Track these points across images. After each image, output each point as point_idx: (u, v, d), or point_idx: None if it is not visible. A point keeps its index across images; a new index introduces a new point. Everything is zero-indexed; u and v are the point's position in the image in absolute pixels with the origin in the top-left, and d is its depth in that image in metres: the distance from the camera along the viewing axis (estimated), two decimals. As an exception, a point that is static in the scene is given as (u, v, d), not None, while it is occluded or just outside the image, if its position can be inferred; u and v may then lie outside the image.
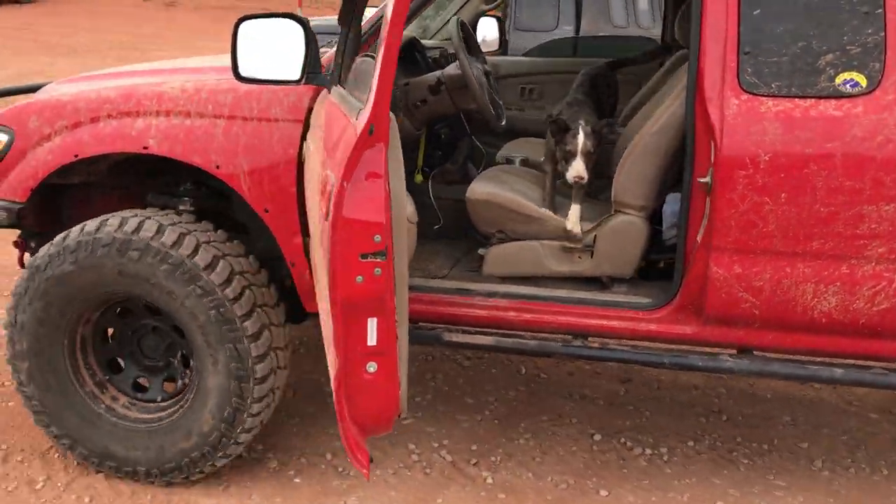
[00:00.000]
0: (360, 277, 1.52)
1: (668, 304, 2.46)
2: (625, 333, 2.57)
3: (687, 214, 2.36)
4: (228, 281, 2.51)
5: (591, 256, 2.69)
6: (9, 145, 2.78)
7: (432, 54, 3.85)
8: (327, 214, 1.59)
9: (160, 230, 2.52)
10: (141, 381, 2.83)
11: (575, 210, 2.66)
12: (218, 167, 2.61)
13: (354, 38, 2.36)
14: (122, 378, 2.81)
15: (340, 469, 2.83)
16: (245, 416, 2.60)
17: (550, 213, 2.71)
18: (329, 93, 2.40)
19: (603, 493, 2.73)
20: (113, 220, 2.56)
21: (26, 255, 3.15)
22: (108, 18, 19.50)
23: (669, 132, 2.48)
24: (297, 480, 2.79)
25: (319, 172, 2.02)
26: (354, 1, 2.45)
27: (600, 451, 2.97)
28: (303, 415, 3.17)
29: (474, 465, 2.88)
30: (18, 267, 3.32)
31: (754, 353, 2.50)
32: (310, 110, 2.58)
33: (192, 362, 2.64)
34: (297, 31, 2.28)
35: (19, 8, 19.90)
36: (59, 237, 2.60)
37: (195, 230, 2.60)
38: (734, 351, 2.53)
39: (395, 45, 1.72)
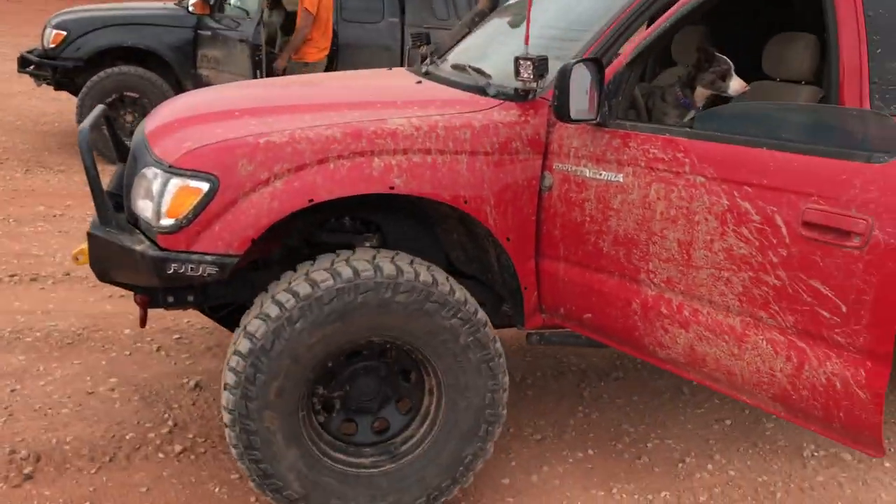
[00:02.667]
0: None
1: None
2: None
3: None
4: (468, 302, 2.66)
5: None
6: (209, 195, 2.52)
7: None
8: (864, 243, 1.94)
9: (416, 270, 2.56)
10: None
11: None
12: (466, 202, 2.68)
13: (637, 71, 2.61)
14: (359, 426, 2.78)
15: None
16: (498, 427, 2.75)
17: None
18: (602, 127, 2.61)
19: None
20: (361, 263, 2.52)
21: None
22: None
23: None
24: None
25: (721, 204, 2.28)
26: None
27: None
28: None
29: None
30: (140, 327, 3.01)
31: None
32: (547, 143, 2.76)
33: (432, 393, 2.73)
34: (594, 73, 2.49)
35: None
36: (299, 288, 2.49)
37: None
38: None
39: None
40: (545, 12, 3.30)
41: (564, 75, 2.42)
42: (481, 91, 2.92)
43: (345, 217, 2.98)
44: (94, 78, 7.18)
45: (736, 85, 3.04)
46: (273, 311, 2.49)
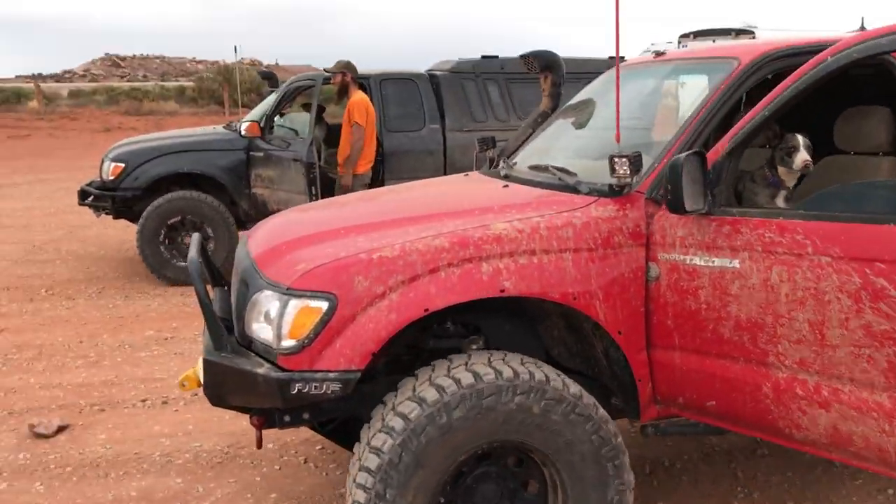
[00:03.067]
0: None
1: None
2: None
3: None
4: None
5: None
6: (329, 313, 2.56)
7: None
8: None
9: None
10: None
11: None
12: (575, 298, 2.69)
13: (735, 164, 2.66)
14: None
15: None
16: (623, 456, 2.68)
17: None
18: (708, 215, 2.63)
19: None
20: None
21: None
22: None
23: None
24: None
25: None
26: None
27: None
28: None
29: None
30: (257, 448, 3.00)
31: None
32: (648, 234, 2.78)
33: (545, 464, 2.67)
34: (699, 165, 2.54)
35: None
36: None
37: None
38: None
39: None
40: (605, 108, 3.40)
41: (676, 170, 2.47)
42: (572, 189, 2.97)
43: (447, 321, 2.99)
44: (154, 204, 7.40)
45: (798, 161, 3.05)
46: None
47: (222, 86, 23.96)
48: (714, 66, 3.10)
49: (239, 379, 2.68)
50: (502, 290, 2.63)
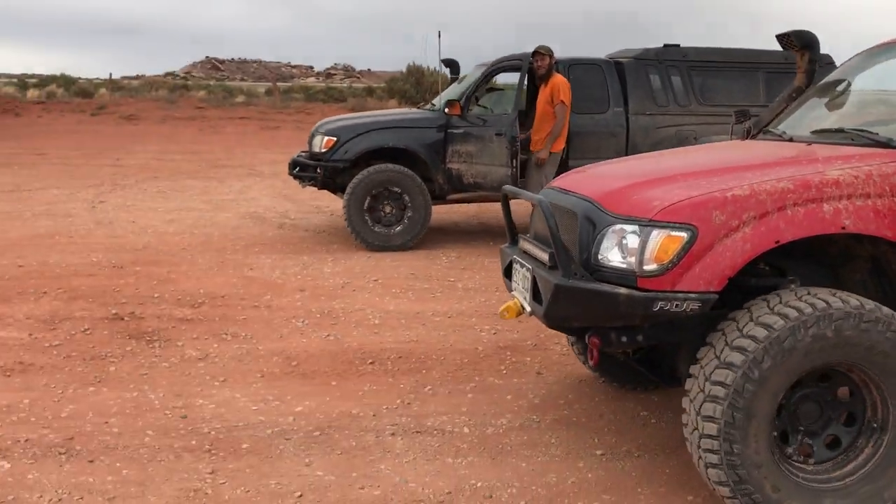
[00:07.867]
0: None
1: None
2: None
3: None
4: None
5: None
6: (690, 241, 2.96)
7: None
8: None
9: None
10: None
11: None
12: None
13: None
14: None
15: None
16: None
17: None
18: None
19: None
20: (832, 298, 2.91)
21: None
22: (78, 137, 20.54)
23: None
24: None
25: None
26: None
27: None
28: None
29: None
30: (593, 364, 3.43)
31: None
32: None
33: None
34: None
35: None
36: (779, 318, 2.86)
37: None
38: None
39: None
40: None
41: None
42: (885, 145, 3.30)
43: (759, 263, 3.36)
44: (360, 175, 8.03)
45: None
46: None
47: (414, 86, 26.54)
48: None
49: (598, 299, 3.12)
50: (843, 228, 2.99)
